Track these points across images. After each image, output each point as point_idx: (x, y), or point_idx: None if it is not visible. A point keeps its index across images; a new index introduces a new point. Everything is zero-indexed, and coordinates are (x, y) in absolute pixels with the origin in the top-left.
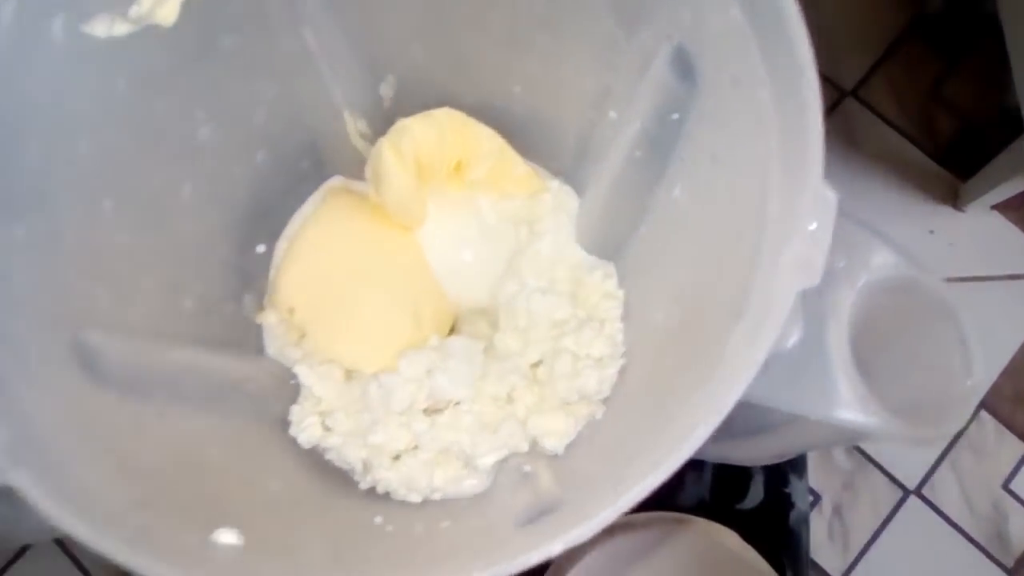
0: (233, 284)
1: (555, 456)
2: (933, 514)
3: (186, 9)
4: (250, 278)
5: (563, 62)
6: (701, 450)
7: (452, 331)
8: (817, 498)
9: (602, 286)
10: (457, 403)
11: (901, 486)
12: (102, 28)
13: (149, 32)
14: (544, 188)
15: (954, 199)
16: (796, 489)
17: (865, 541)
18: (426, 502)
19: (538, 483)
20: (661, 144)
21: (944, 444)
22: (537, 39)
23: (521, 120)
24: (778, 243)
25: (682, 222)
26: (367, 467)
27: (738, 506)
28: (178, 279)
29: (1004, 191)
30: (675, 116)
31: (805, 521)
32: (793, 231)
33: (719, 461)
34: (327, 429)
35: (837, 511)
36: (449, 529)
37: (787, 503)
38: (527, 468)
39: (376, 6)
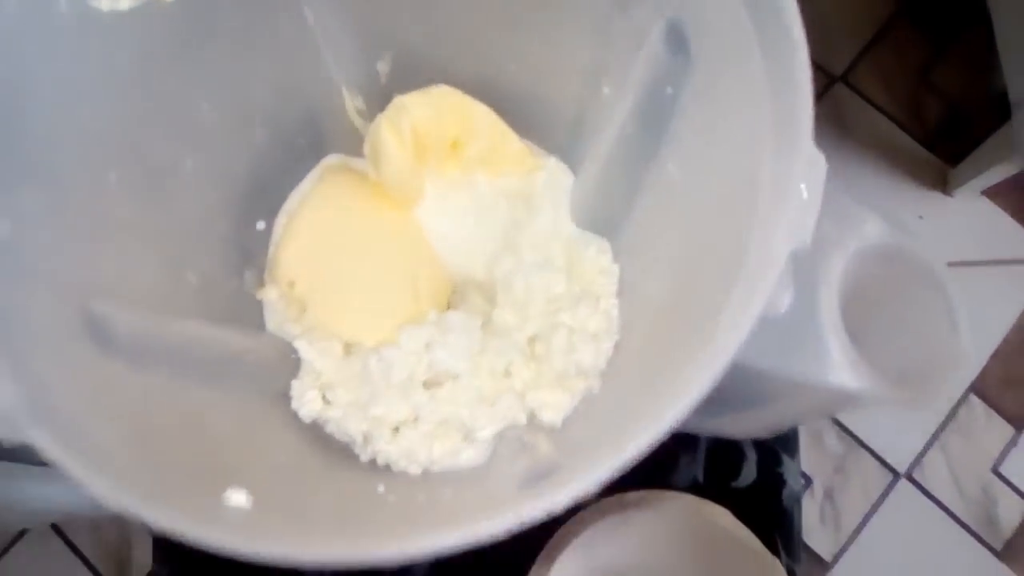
0: (234, 260)
1: (553, 429)
2: (923, 497)
3: None
4: (250, 254)
5: (558, 39)
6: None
7: (449, 307)
8: (808, 482)
9: (597, 262)
10: (456, 377)
11: (892, 470)
12: (106, 1)
13: (151, 7)
14: (539, 165)
15: (943, 184)
16: (788, 469)
17: (856, 524)
18: (426, 474)
19: (537, 451)
20: (655, 119)
21: (934, 426)
22: (532, 16)
23: (517, 98)
24: (770, 208)
25: (676, 196)
26: (367, 439)
27: (731, 485)
28: (181, 254)
29: (992, 176)
30: (669, 91)
31: (797, 500)
32: (785, 194)
33: (713, 435)
34: (327, 403)
35: (829, 495)
36: (451, 497)
37: (780, 482)
38: (526, 439)
39: None
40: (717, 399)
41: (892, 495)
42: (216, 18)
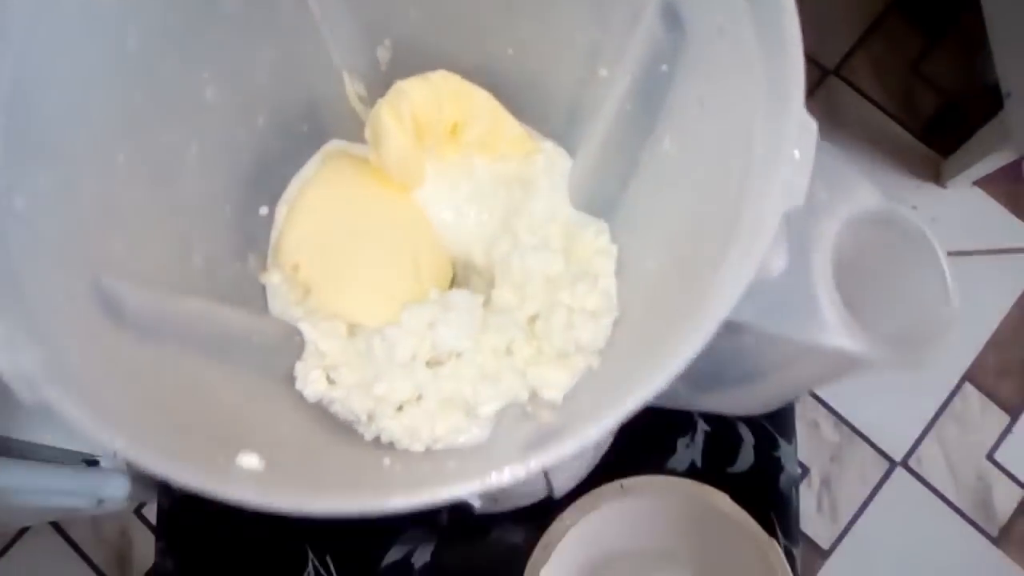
0: (238, 244)
1: (554, 406)
2: (919, 485)
3: None
4: (254, 239)
5: (554, 21)
6: (695, 402)
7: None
8: (806, 471)
9: (595, 242)
10: (458, 355)
11: (888, 458)
12: None
13: None
14: (537, 149)
15: (936, 175)
16: (785, 453)
17: (853, 512)
18: (430, 451)
19: (539, 420)
20: (650, 97)
21: (930, 415)
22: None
23: (514, 83)
24: (763, 172)
25: (672, 172)
26: (371, 418)
27: (729, 470)
28: (187, 236)
29: (985, 166)
30: (664, 68)
31: (795, 484)
32: (777, 158)
33: (712, 412)
34: (332, 382)
35: (826, 483)
36: (455, 467)
37: (777, 467)
38: (528, 410)
39: None
40: (715, 375)
41: (888, 483)
42: (219, 3)
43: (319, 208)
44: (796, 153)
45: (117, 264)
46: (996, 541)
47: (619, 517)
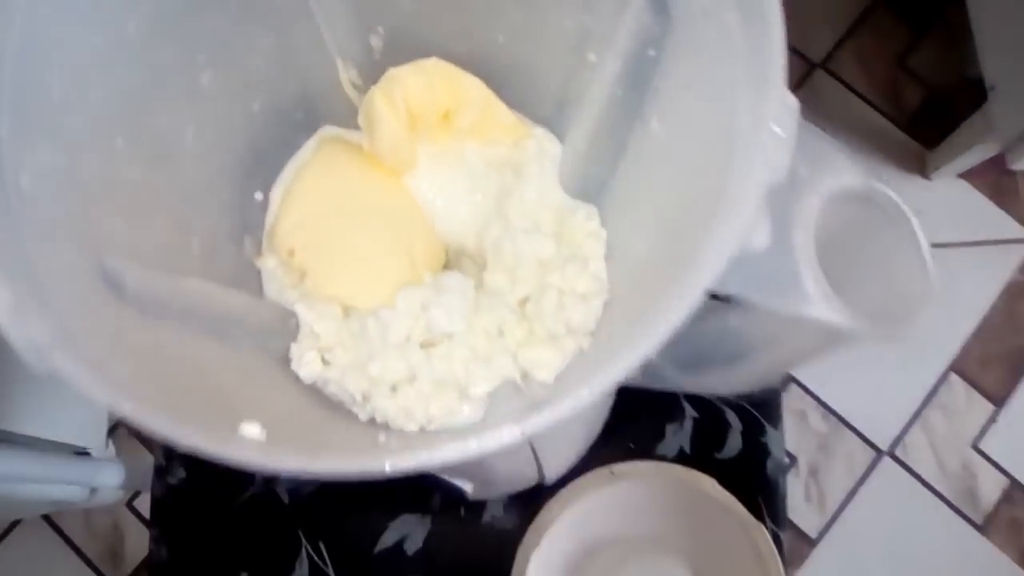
0: (234, 228)
1: (545, 386)
2: (906, 474)
3: None
4: (249, 224)
5: (544, 8)
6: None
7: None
8: (793, 460)
9: (585, 226)
10: (451, 336)
11: (875, 447)
12: None
13: None
14: (528, 135)
15: (922, 168)
16: (772, 439)
17: (841, 501)
18: (424, 431)
19: (530, 394)
20: (638, 81)
21: (916, 405)
22: None
23: (505, 71)
24: (747, 148)
25: (660, 153)
26: (366, 398)
27: (717, 456)
28: (184, 219)
29: (969, 159)
30: (651, 52)
31: (782, 469)
32: (760, 133)
33: (699, 392)
34: (326, 363)
35: (813, 473)
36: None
37: (764, 452)
38: (521, 386)
39: None
40: (702, 356)
41: (875, 472)
42: None
43: (314, 193)
44: (778, 129)
45: (118, 244)
46: (981, 529)
47: (609, 502)
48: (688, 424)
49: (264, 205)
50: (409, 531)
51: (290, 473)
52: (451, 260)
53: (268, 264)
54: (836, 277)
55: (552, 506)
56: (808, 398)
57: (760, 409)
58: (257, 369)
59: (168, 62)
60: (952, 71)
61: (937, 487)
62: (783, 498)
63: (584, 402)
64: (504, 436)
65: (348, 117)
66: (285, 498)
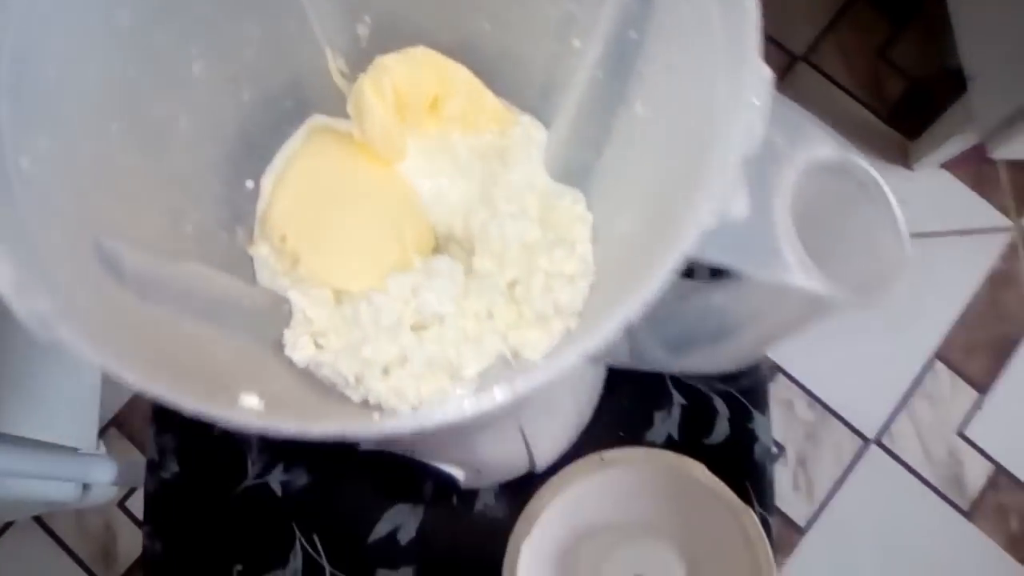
0: (226, 216)
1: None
2: (893, 462)
3: None
4: (241, 212)
5: None
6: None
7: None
8: (781, 450)
9: (572, 210)
10: (442, 319)
11: (861, 436)
12: None
13: None
14: (515, 121)
15: (904, 158)
16: (759, 425)
17: (829, 490)
18: (416, 411)
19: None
20: (621, 65)
21: (902, 393)
22: None
23: (491, 59)
24: (723, 120)
25: (643, 135)
26: (359, 380)
27: (705, 441)
28: (178, 206)
29: (951, 148)
30: (633, 35)
31: (769, 454)
32: (736, 104)
33: (688, 372)
34: (319, 347)
35: (801, 462)
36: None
37: (751, 437)
38: (512, 363)
39: None
40: (688, 336)
41: (862, 461)
42: None
43: (305, 180)
44: (754, 99)
45: (115, 227)
46: (968, 515)
47: (599, 489)
48: (676, 411)
49: (255, 193)
50: (402, 521)
51: (289, 435)
52: (440, 246)
53: (260, 251)
54: (815, 247)
55: (543, 494)
56: (795, 388)
57: (747, 395)
58: (252, 353)
59: (160, 52)
60: (932, 62)
61: (924, 474)
62: (771, 482)
63: (570, 363)
64: (497, 395)
65: (337, 106)
66: (279, 491)
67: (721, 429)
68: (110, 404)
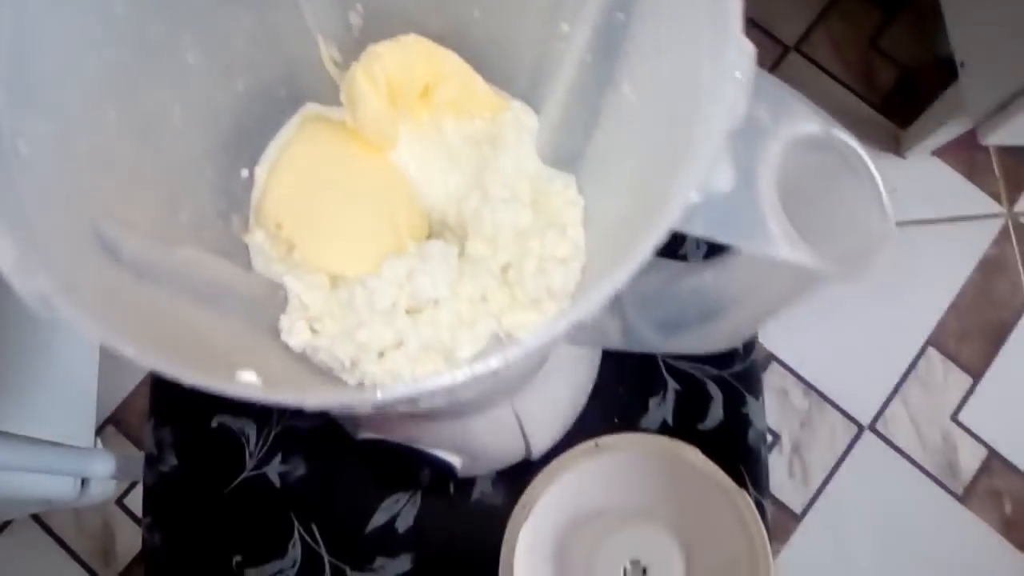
0: (221, 204)
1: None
2: (887, 447)
3: None
4: (236, 201)
5: None
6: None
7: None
8: (776, 437)
9: (563, 194)
10: (436, 302)
11: (856, 422)
12: None
13: None
14: (506, 107)
15: (896, 146)
16: (753, 409)
17: (824, 476)
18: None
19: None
20: (609, 47)
21: (895, 379)
22: None
23: (481, 46)
24: (708, 95)
25: (632, 116)
26: (354, 363)
27: (699, 426)
28: (174, 194)
29: (942, 136)
30: (620, 16)
31: (763, 438)
32: (720, 80)
33: (680, 353)
34: (315, 332)
35: (796, 449)
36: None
37: (745, 422)
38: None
39: None
40: (678, 317)
41: (857, 447)
42: None
43: (299, 168)
44: (737, 74)
45: (112, 212)
46: (962, 499)
47: (595, 475)
48: (670, 397)
49: (250, 182)
50: (400, 510)
51: (288, 406)
52: (433, 232)
53: (256, 239)
54: (800, 221)
55: (539, 481)
56: (789, 376)
57: (740, 380)
58: (249, 338)
59: (155, 41)
60: (923, 50)
61: (918, 459)
62: (765, 466)
63: (561, 330)
64: (492, 362)
65: (330, 94)
66: (277, 482)
67: (715, 414)
68: (107, 402)
